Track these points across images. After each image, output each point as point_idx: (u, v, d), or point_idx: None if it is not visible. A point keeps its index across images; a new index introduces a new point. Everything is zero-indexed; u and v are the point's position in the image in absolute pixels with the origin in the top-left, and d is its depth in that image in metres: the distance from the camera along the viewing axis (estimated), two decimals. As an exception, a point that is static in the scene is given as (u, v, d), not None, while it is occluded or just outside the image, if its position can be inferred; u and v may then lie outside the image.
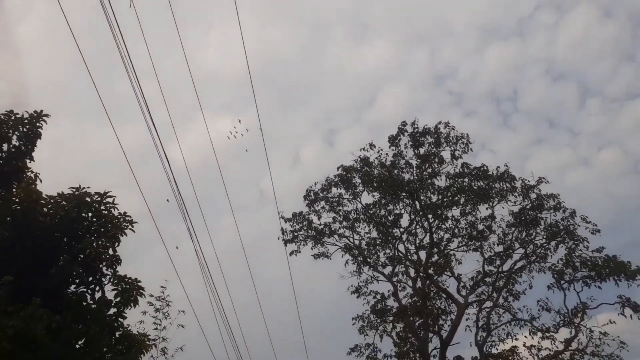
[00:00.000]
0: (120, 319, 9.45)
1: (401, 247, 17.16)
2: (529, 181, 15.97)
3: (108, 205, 9.54)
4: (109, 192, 9.60)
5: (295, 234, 17.20)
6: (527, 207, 15.83)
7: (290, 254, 16.89)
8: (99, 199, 9.42)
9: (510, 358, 14.96)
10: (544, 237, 15.63)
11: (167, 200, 8.98)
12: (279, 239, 17.12)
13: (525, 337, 15.06)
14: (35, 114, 9.49)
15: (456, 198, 16.41)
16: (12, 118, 9.25)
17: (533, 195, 15.79)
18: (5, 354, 6.61)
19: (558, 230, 15.26)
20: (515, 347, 15.21)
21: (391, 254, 16.95)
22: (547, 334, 14.84)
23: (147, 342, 9.84)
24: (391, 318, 15.58)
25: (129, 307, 9.55)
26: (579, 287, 14.72)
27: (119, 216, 9.55)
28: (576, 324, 14.49)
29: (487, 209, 16.52)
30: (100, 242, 9.48)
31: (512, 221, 16.14)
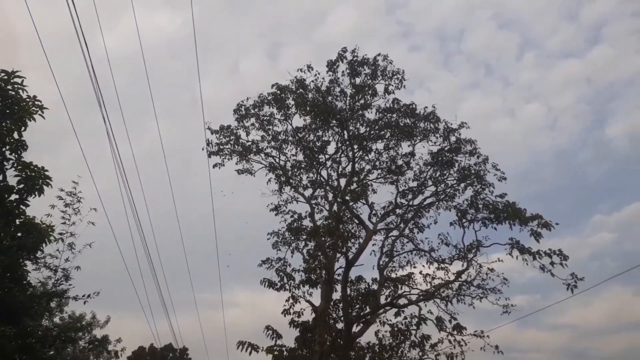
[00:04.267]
0: (22, 207, 9.15)
1: (324, 173, 17.21)
2: (451, 124, 16.32)
3: (16, 86, 8.91)
4: (17, 71, 8.94)
5: (221, 147, 16.96)
6: (446, 148, 16.19)
7: (214, 166, 16.84)
8: (6, 77, 8.75)
9: (406, 282, 15.52)
10: (456, 178, 16.00)
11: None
12: (203, 149, 16.79)
13: (423, 266, 15.67)
14: None
15: (382, 132, 16.53)
16: None
17: (453, 139, 16.16)
18: None
19: (469, 174, 15.70)
20: (412, 273, 15.61)
21: (313, 178, 17.09)
22: (442, 265, 15.56)
23: (50, 232, 9.64)
24: (304, 236, 15.78)
25: (33, 196, 9.26)
26: (478, 227, 15.21)
27: (28, 99, 8.98)
28: (469, 259, 15.13)
29: (409, 146, 16.63)
30: (4, 124, 8.94)
31: (429, 160, 16.40)
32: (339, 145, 16.85)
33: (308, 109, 16.26)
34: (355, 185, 16.45)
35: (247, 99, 16.92)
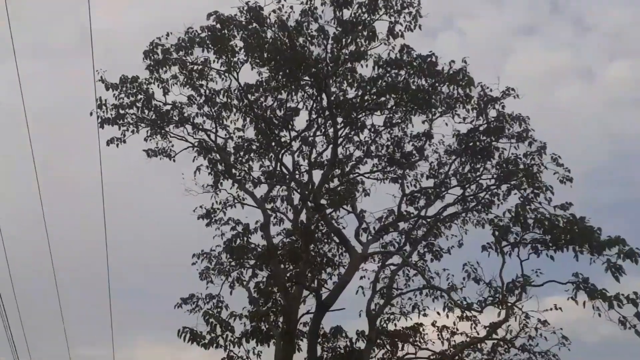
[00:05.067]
0: None
1: (288, 160, 16.28)
2: (491, 90, 14.88)
3: None
4: None
5: (122, 111, 15.37)
6: (481, 128, 15.03)
7: (108, 142, 15.27)
8: None
9: (411, 339, 14.55)
10: (494, 176, 15.02)
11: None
12: (91, 114, 15.16)
13: (438, 313, 14.39)
14: None
15: (383, 99, 15.42)
16: None
17: (493, 113, 14.87)
18: None
19: (516, 170, 14.53)
20: (421, 325, 14.83)
21: (271, 167, 16.23)
22: (468, 313, 14.46)
23: None
24: (253, 261, 15.08)
25: None
26: (526, 254, 13.91)
27: None
28: (510, 304, 13.86)
29: (423, 122, 15.59)
30: None
31: (454, 146, 15.46)
32: (314, 116, 16.04)
33: (266, 55, 14.77)
34: (337, 181, 16.04)
35: (168, 35, 15.17)
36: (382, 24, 14.72)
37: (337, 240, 15.29)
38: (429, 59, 14.67)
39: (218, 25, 14.92)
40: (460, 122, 15.24)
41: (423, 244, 15.59)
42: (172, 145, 16.08)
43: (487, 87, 14.87)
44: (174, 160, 16.05)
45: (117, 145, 15.41)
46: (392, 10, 14.44)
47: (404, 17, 14.48)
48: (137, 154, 16.01)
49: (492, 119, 14.93)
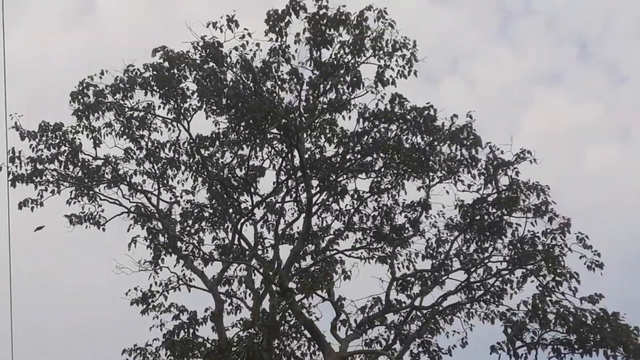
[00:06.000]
0: None
1: (249, 232, 16.24)
2: (502, 152, 14.92)
3: None
4: None
5: (41, 166, 15.36)
6: (490, 199, 15.01)
7: (21, 205, 15.12)
8: None
9: None
10: (506, 258, 14.87)
11: None
12: (1, 169, 15.09)
13: None
14: None
15: (369, 159, 15.56)
16: None
17: (504, 180, 14.90)
18: None
19: (533, 252, 14.45)
20: None
21: (227, 240, 16.38)
22: None
23: None
24: None
25: None
26: (545, 357, 13.86)
27: None
28: None
29: (419, 188, 15.68)
30: None
31: (457, 220, 15.41)
32: (283, 178, 16.22)
33: (225, 101, 14.97)
34: (310, 260, 16.15)
35: (103, 73, 15.29)
36: (369, 67, 14.74)
37: (309, 335, 15.06)
38: (426, 112, 14.73)
39: (166, 64, 15.04)
40: (464, 190, 15.10)
41: (417, 342, 15.31)
42: (102, 210, 15.95)
43: (497, 149, 14.85)
44: (103, 229, 15.88)
45: (32, 208, 15.17)
46: (381, 52, 14.50)
47: (397, 60, 14.52)
48: (57, 219, 15.80)
49: (504, 188, 14.86)
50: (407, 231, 15.80)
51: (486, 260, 15.24)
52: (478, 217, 15.09)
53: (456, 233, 15.37)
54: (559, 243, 14.69)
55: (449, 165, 15.17)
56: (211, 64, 15.01)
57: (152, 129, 15.85)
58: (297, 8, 14.29)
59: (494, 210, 15.03)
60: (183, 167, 16.06)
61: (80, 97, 15.15)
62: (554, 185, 15.22)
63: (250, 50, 14.82)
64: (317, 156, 15.77)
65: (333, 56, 14.75)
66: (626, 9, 36.45)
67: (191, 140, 15.77)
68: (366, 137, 15.25)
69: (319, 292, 14.97)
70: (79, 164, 15.44)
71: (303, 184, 15.52)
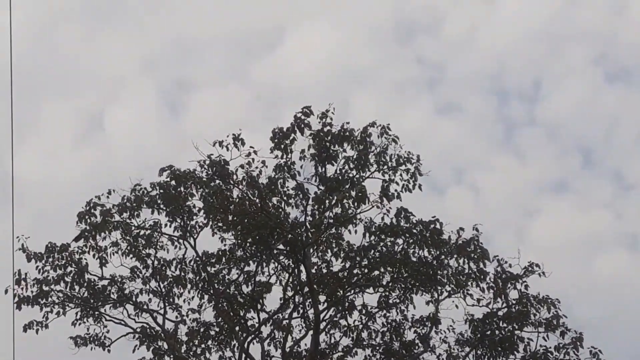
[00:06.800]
0: None
1: (256, 350, 15.66)
2: (510, 265, 14.93)
3: None
4: None
5: (46, 287, 15.07)
6: (500, 313, 14.88)
7: (25, 327, 14.87)
8: None
9: None
10: None
11: None
12: (7, 292, 14.81)
13: None
14: None
15: (376, 273, 15.38)
16: None
17: (514, 294, 14.85)
18: None
19: None
20: None
21: (234, 359, 15.82)
22: None
23: None
24: None
25: None
26: None
27: None
28: None
29: (428, 303, 15.46)
30: None
31: (467, 335, 15.16)
32: (290, 294, 15.89)
33: (231, 218, 14.82)
34: None
35: (110, 193, 15.29)
36: (374, 182, 14.71)
37: None
38: (432, 226, 14.61)
39: (173, 182, 15.03)
40: (474, 305, 15.01)
41: None
42: (108, 331, 15.64)
43: (505, 262, 14.90)
44: (108, 351, 15.51)
45: (37, 331, 14.94)
46: (385, 167, 14.54)
47: (401, 174, 14.55)
48: (62, 341, 15.47)
49: (514, 302, 14.75)
50: (417, 347, 15.56)
51: (500, 377, 15.26)
52: (489, 332, 14.89)
53: (467, 349, 15.17)
54: (572, 358, 14.48)
55: (457, 279, 14.94)
56: (217, 181, 15.01)
57: (158, 247, 15.80)
58: (302, 126, 14.42)
59: (505, 325, 14.81)
60: (189, 285, 15.91)
61: (87, 217, 15.07)
62: (564, 297, 15.02)
63: (256, 167, 14.77)
64: (324, 271, 15.72)
65: (338, 171, 14.80)
66: (627, 119, 37.48)
67: (197, 258, 15.71)
68: (373, 251, 15.03)
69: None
70: (85, 284, 15.27)
71: (310, 300, 15.28)
